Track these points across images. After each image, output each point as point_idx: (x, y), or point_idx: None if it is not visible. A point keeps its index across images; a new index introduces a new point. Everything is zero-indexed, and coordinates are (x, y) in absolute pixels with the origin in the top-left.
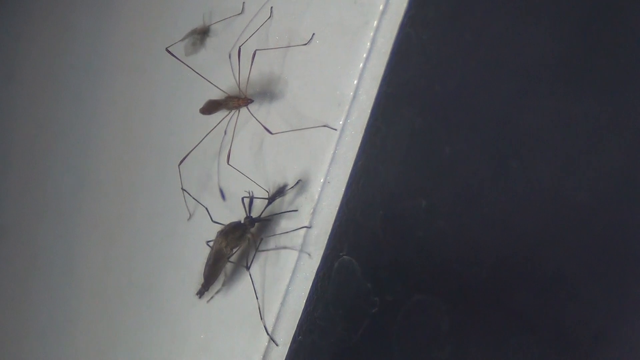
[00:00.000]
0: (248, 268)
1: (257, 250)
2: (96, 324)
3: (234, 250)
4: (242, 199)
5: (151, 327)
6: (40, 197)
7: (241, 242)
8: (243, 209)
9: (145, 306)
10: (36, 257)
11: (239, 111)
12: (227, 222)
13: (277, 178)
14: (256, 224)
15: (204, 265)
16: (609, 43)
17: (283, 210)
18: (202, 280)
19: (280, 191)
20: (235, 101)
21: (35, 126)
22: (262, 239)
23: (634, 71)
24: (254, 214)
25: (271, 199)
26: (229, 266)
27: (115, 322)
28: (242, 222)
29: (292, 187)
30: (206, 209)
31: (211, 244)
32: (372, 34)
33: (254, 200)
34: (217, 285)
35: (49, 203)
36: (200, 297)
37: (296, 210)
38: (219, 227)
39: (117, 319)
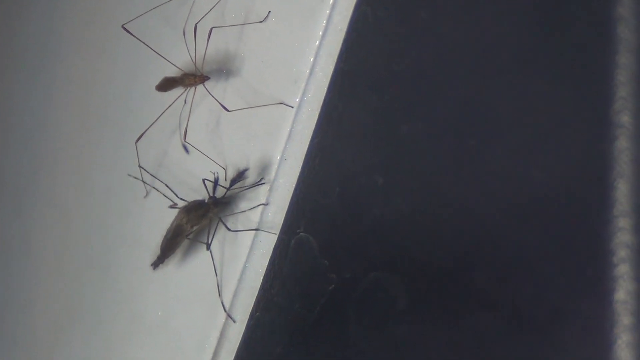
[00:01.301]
0: (208, 247)
1: (216, 229)
2: (53, 303)
3: (194, 227)
4: (203, 180)
5: (108, 305)
6: None
7: (202, 221)
8: (202, 186)
9: (102, 284)
10: None
11: (196, 88)
12: (182, 200)
13: (234, 156)
14: (219, 204)
15: (161, 238)
16: (569, 24)
17: (244, 191)
18: (158, 253)
19: (241, 174)
20: (191, 78)
21: None
22: (220, 219)
23: (594, 52)
24: (216, 194)
25: (233, 182)
26: (186, 242)
27: (72, 300)
28: (206, 201)
29: (254, 184)
30: (166, 185)
31: (173, 210)
32: (328, 11)
33: (214, 180)
34: (173, 258)
35: (4, 180)
36: (154, 269)
37: (263, 184)
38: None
39: (74, 297)
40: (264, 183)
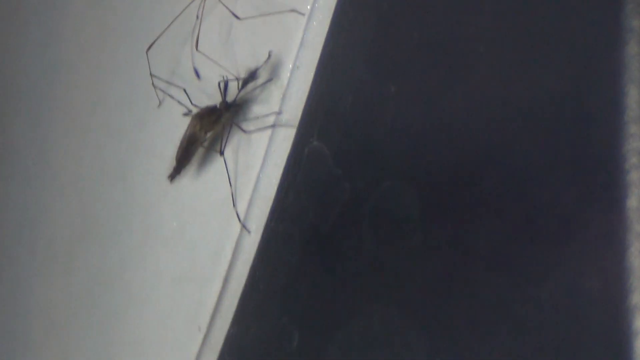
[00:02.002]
0: (222, 153)
1: (228, 135)
2: (68, 213)
3: (208, 134)
4: (219, 83)
5: (123, 216)
6: (8, 85)
7: (216, 127)
8: (216, 94)
9: (117, 195)
10: (5, 146)
11: None
12: (196, 106)
13: (247, 62)
14: (231, 108)
15: (176, 149)
16: None
17: (256, 95)
18: (174, 164)
19: (253, 72)
20: None
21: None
22: (233, 124)
23: None
24: (228, 98)
25: (243, 82)
26: (201, 151)
27: (87, 211)
28: (218, 106)
29: (264, 63)
30: (184, 90)
31: (186, 119)
32: None
33: (229, 84)
34: (189, 169)
35: (17, 91)
36: (172, 181)
37: (271, 79)
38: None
39: (89, 208)
40: (272, 79)
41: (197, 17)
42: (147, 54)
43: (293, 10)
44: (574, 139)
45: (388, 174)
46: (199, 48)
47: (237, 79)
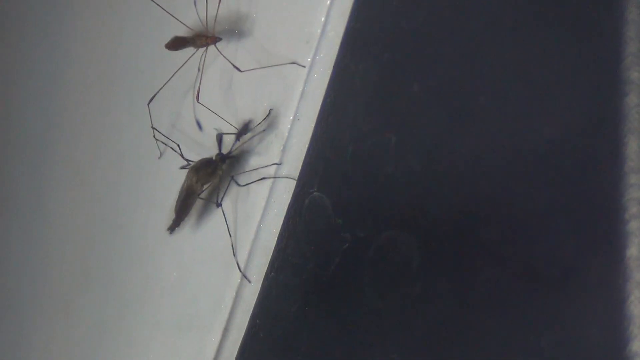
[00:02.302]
0: (219, 205)
1: (227, 187)
2: (68, 264)
3: (205, 186)
4: (216, 135)
5: (124, 266)
6: (10, 137)
7: (212, 179)
8: (216, 147)
9: (118, 245)
10: (6, 196)
11: (207, 49)
12: (191, 161)
13: (247, 115)
14: (227, 160)
15: (175, 202)
16: None
17: (254, 146)
18: (173, 216)
19: (247, 126)
20: (203, 39)
21: (1, 65)
22: (232, 177)
23: (603, 7)
24: (225, 150)
25: (239, 134)
26: (199, 203)
27: (87, 261)
28: (213, 158)
29: (264, 118)
30: (178, 145)
31: (184, 171)
32: None
33: (224, 136)
34: (188, 221)
35: (19, 143)
36: (171, 233)
37: (265, 130)
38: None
39: (89, 257)
40: (266, 130)
41: (199, 69)
42: (148, 107)
43: (294, 63)
44: (575, 188)
45: (388, 224)
46: (199, 100)
47: (236, 132)
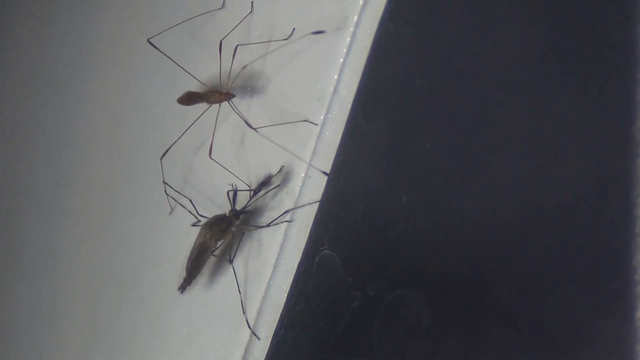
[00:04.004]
0: (231, 262)
1: (239, 243)
2: (78, 319)
3: (219, 243)
4: (228, 192)
5: (133, 322)
6: (20, 192)
7: (226, 235)
8: (227, 203)
9: (127, 300)
10: (17, 251)
11: (220, 105)
12: (210, 215)
13: (259, 172)
14: (241, 216)
15: (186, 259)
16: (585, 40)
17: (266, 203)
18: (184, 275)
19: (264, 182)
20: (216, 95)
21: (15, 120)
22: (244, 233)
23: (613, 70)
24: (238, 206)
25: (255, 191)
26: (211, 260)
27: (96, 316)
28: (227, 214)
29: (275, 175)
30: (190, 201)
31: (196, 228)
32: (352, 29)
33: (238, 193)
34: (199, 279)
35: (30, 197)
36: (182, 292)
37: (279, 186)
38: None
39: (98, 313)
40: (280, 186)
41: (215, 124)
42: (161, 161)
43: (306, 121)
44: (585, 248)
45: (398, 282)
46: (212, 156)
47: (249, 188)
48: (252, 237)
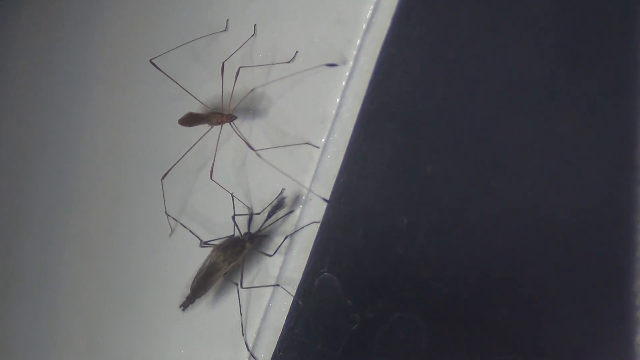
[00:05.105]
0: (241, 285)
1: (243, 266)
2: (76, 338)
3: (231, 264)
4: (233, 217)
5: (131, 342)
6: (20, 211)
7: (238, 257)
8: (228, 224)
9: (126, 321)
10: (16, 271)
11: (222, 126)
12: (213, 237)
13: (260, 195)
14: (254, 240)
15: (191, 278)
16: (590, 62)
17: (271, 226)
18: (188, 293)
19: (278, 206)
20: (218, 117)
21: (16, 139)
22: (254, 254)
23: (618, 95)
24: (244, 229)
25: (269, 215)
26: (219, 281)
27: (95, 336)
28: (241, 237)
29: (277, 197)
30: (192, 232)
31: (197, 248)
32: (355, 52)
33: (253, 217)
34: (204, 298)
35: (29, 217)
36: (183, 310)
37: (293, 211)
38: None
39: (97, 333)
40: (292, 211)
41: (214, 147)
42: (161, 182)
43: (307, 143)
44: (586, 273)
45: (398, 305)
46: (213, 177)
47: (250, 215)
48: (251, 259)
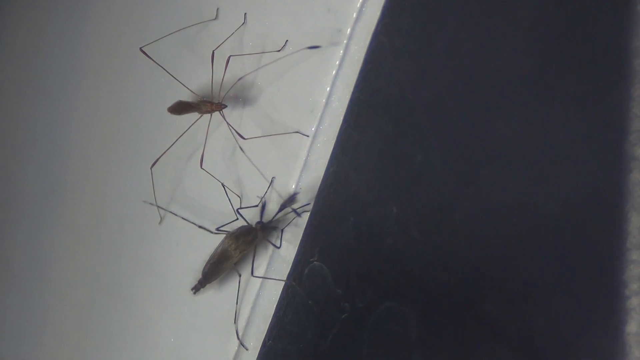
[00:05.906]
0: (253, 274)
1: (255, 255)
2: (67, 328)
3: (242, 253)
4: (237, 210)
5: (121, 331)
6: (9, 200)
7: (249, 247)
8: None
9: (116, 310)
10: (5, 260)
11: (212, 115)
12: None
13: (250, 183)
14: (266, 230)
15: (204, 263)
16: (580, 55)
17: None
18: (200, 277)
19: (292, 199)
20: (208, 105)
21: (5, 128)
22: (269, 241)
23: (609, 84)
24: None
25: (282, 207)
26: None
27: (85, 325)
28: (254, 227)
29: (268, 187)
30: (184, 219)
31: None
32: (345, 41)
33: (266, 206)
34: (213, 285)
35: (19, 206)
36: (195, 293)
37: (309, 204)
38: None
39: (87, 322)
40: (309, 204)
41: (206, 137)
42: (151, 170)
43: (298, 132)
44: (576, 263)
45: (388, 295)
46: (203, 166)
47: (240, 204)
48: (274, 246)
